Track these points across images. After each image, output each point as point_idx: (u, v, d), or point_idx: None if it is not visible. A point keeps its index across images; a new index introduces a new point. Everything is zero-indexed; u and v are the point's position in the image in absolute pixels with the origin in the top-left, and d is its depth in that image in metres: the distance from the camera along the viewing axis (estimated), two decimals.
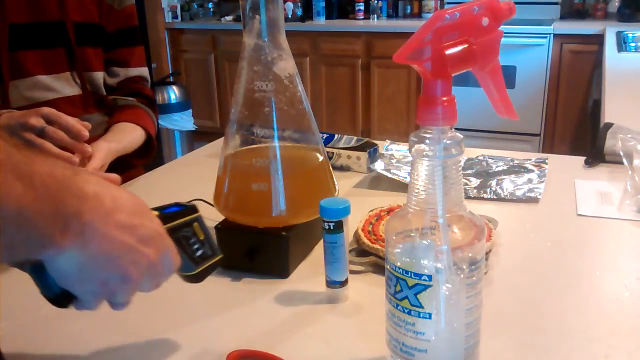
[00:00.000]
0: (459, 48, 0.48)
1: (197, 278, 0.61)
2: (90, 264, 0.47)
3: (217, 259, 0.62)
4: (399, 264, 0.51)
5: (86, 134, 0.92)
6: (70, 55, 1.14)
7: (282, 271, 0.78)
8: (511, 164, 1.16)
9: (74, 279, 0.48)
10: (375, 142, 1.22)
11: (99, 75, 1.21)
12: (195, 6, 4.63)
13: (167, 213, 0.56)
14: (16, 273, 0.82)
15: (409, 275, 0.51)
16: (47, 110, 0.91)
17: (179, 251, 0.56)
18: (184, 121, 3.80)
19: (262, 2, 0.74)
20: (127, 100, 1.26)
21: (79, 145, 0.92)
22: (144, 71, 1.33)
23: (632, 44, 2.76)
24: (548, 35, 3.45)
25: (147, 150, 1.25)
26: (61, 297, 0.49)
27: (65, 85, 1.14)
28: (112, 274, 0.49)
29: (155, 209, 0.57)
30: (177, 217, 0.57)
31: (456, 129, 0.50)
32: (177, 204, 0.60)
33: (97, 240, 0.46)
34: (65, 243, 0.44)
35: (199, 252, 0.59)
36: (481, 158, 1.19)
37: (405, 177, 1.07)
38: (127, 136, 1.17)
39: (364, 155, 1.17)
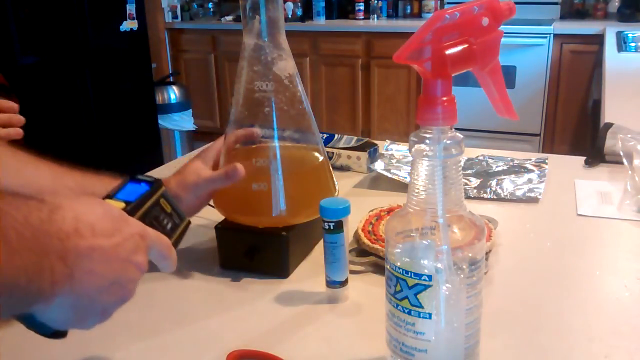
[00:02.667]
0: (459, 48, 0.48)
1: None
2: (84, 302, 0.45)
3: (184, 224, 0.62)
4: (399, 264, 0.51)
5: (16, 106, 0.91)
6: None
7: (282, 271, 0.78)
8: (511, 164, 1.16)
9: (71, 320, 0.47)
10: (375, 142, 1.22)
11: None
12: (195, 6, 4.63)
13: (136, 202, 0.55)
14: None
15: (409, 275, 0.51)
16: None
17: None
18: (184, 121, 3.80)
19: (262, 2, 0.74)
20: None
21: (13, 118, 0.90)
22: None
23: (632, 44, 2.76)
24: (548, 35, 3.45)
25: None
26: (59, 332, 0.48)
27: None
28: (108, 302, 0.48)
29: (115, 193, 0.56)
30: (145, 200, 0.56)
31: (456, 129, 0.50)
32: (133, 179, 0.58)
33: (86, 277, 0.44)
34: (54, 291, 0.42)
35: (169, 225, 0.59)
36: (481, 158, 1.19)
37: (405, 177, 1.07)
38: None
39: (364, 155, 1.16)
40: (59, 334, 0.48)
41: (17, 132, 0.90)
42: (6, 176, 0.67)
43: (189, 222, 0.62)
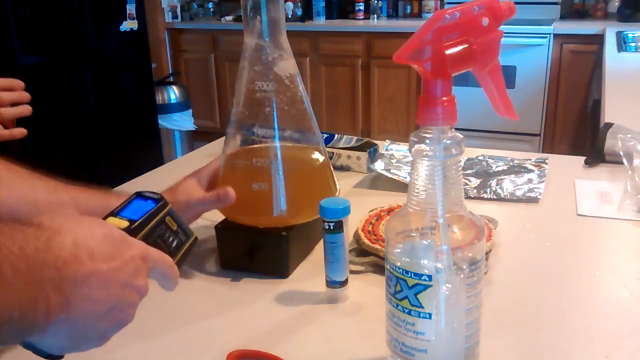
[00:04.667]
0: (459, 48, 0.48)
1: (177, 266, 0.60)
2: (81, 328, 0.45)
3: (191, 241, 0.61)
4: (399, 264, 0.51)
5: (22, 83, 0.91)
6: None
7: (282, 271, 0.78)
8: (511, 164, 1.16)
9: (67, 346, 0.46)
10: (375, 142, 1.22)
11: None
12: (195, 6, 4.63)
13: (140, 220, 0.54)
14: None
15: (409, 275, 0.51)
16: None
17: None
18: (184, 121, 3.80)
19: (264, 2, 0.74)
20: None
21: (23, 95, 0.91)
22: None
23: (632, 44, 2.76)
24: (548, 35, 3.45)
25: None
26: (55, 355, 0.47)
27: None
28: (106, 327, 0.47)
29: (120, 210, 0.55)
30: (150, 219, 0.55)
31: (456, 129, 0.50)
32: (139, 195, 0.58)
33: (83, 304, 0.44)
34: (49, 321, 0.42)
35: (174, 243, 0.58)
36: (481, 158, 1.19)
37: (405, 177, 1.07)
38: None
39: (364, 155, 1.17)
40: (55, 356, 0.47)
41: (29, 110, 0.90)
42: (1, 190, 0.67)
43: (196, 239, 0.61)
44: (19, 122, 0.92)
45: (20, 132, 0.89)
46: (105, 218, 0.54)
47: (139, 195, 0.58)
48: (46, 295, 0.41)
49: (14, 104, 0.89)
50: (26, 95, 0.91)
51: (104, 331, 0.47)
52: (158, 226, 0.56)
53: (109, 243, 0.47)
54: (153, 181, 1.19)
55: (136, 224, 0.54)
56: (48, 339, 0.44)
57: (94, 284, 0.44)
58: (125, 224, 0.53)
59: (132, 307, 0.49)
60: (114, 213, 0.55)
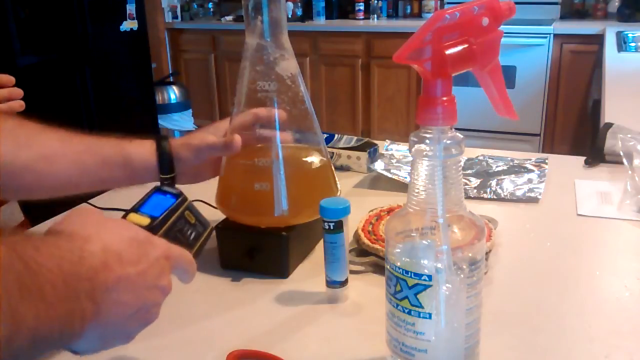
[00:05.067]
0: (459, 48, 0.48)
1: (194, 257, 0.61)
2: (110, 330, 0.47)
3: (208, 231, 0.62)
4: (399, 264, 0.51)
5: (12, 79, 0.91)
6: None
7: (282, 271, 0.78)
8: (511, 164, 1.16)
9: (99, 347, 0.48)
10: (375, 142, 1.22)
11: None
12: (195, 6, 4.63)
13: (161, 217, 0.56)
14: None
15: (409, 275, 0.51)
16: None
17: (178, 245, 0.56)
18: (184, 121, 3.80)
19: (265, 2, 0.74)
20: None
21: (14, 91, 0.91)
22: None
23: (632, 44, 2.76)
24: (548, 35, 3.45)
25: None
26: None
27: None
28: (133, 326, 0.49)
29: (140, 206, 0.56)
30: (170, 215, 0.57)
31: (456, 129, 0.50)
32: (159, 190, 0.59)
33: (113, 309, 0.46)
34: (84, 329, 0.43)
35: (192, 235, 0.60)
36: (481, 158, 1.19)
37: (405, 177, 1.07)
38: None
39: (364, 155, 1.17)
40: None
41: (20, 104, 0.90)
42: (19, 148, 0.68)
43: (212, 229, 0.63)
44: None
45: (19, 104, 0.90)
46: (127, 214, 0.56)
47: (158, 189, 0.59)
48: (82, 308, 0.43)
49: (5, 101, 0.89)
50: (17, 92, 0.91)
51: (130, 331, 0.49)
52: (178, 221, 0.58)
53: (135, 246, 0.49)
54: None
55: (157, 220, 0.56)
56: (78, 345, 0.46)
57: (122, 288, 0.46)
58: (147, 220, 0.55)
59: (157, 306, 0.51)
60: (135, 209, 0.57)
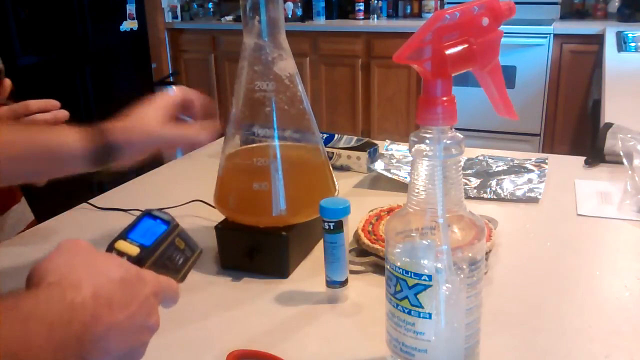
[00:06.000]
0: (459, 48, 0.48)
1: (180, 281, 0.59)
2: None
3: (196, 255, 0.61)
4: (399, 264, 0.51)
5: (57, 103, 0.91)
6: None
7: (282, 271, 0.78)
8: (511, 164, 1.16)
9: None
10: (375, 142, 1.22)
11: None
12: (195, 6, 4.63)
13: (152, 246, 0.55)
14: (16, 273, 0.81)
15: (409, 275, 0.51)
16: (8, 109, 0.87)
17: (165, 272, 0.55)
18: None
19: (263, 2, 0.74)
20: None
21: (59, 115, 0.90)
22: None
23: (632, 44, 2.76)
24: (548, 35, 3.45)
25: None
26: None
27: None
28: None
29: (129, 231, 0.55)
30: (160, 243, 0.56)
31: (456, 129, 0.50)
32: (149, 214, 0.57)
33: (100, 357, 0.45)
34: None
35: (181, 260, 0.58)
36: (481, 158, 1.19)
37: (405, 177, 1.07)
38: None
39: (364, 155, 1.16)
40: None
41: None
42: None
43: (201, 251, 0.61)
44: None
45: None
46: (115, 240, 0.55)
47: (149, 214, 0.58)
48: None
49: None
50: (62, 115, 0.90)
51: None
52: (167, 249, 0.56)
53: (126, 286, 0.48)
54: (153, 181, 1.19)
55: (147, 250, 0.54)
56: None
57: (112, 336, 0.46)
58: (137, 250, 0.54)
59: (144, 346, 0.50)
60: (124, 235, 0.55)
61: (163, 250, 0.56)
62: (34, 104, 0.89)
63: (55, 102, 0.90)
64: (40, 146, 0.71)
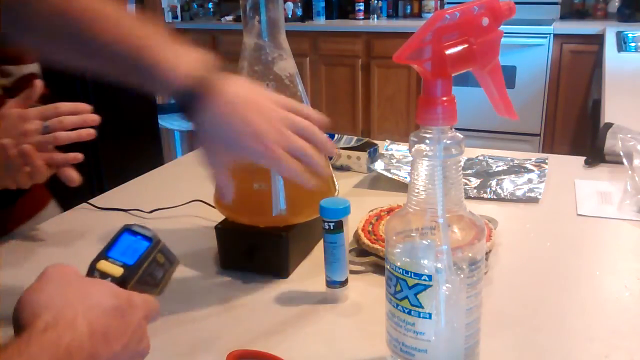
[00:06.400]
0: (459, 48, 0.48)
1: (159, 294, 0.59)
2: None
3: (174, 267, 0.60)
4: (399, 264, 0.51)
5: (88, 107, 0.90)
6: None
7: (282, 271, 0.78)
8: (511, 164, 1.16)
9: None
10: (375, 142, 1.22)
11: None
12: (195, 6, 4.63)
13: (135, 265, 0.54)
14: (16, 273, 0.82)
15: (409, 275, 0.51)
16: (37, 110, 0.87)
17: (146, 288, 0.55)
18: (184, 121, 3.79)
19: (263, 2, 0.74)
20: None
21: (88, 118, 0.89)
22: (36, 67, 1.22)
23: (632, 44, 2.76)
24: (548, 35, 3.45)
25: None
26: None
27: None
28: None
29: (109, 249, 0.54)
30: (143, 261, 0.55)
31: (456, 129, 0.50)
32: (129, 230, 0.56)
33: None
34: None
35: (161, 274, 0.58)
36: (481, 158, 1.19)
37: (405, 177, 1.07)
38: None
39: (364, 155, 1.17)
40: None
41: (88, 133, 0.88)
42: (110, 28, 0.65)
43: (178, 263, 0.61)
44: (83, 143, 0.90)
45: (74, 157, 0.88)
46: (96, 261, 0.54)
47: (128, 229, 0.56)
48: None
49: (76, 128, 0.88)
50: (91, 119, 0.89)
51: None
52: (149, 266, 0.56)
53: (119, 315, 0.49)
54: (153, 181, 1.19)
55: (130, 268, 0.54)
56: None
57: None
58: (120, 270, 0.53)
59: None
60: (105, 254, 0.54)
61: (145, 267, 0.55)
62: (64, 106, 0.88)
63: (85, 106, 0.90)
64: (138, 51, 0.65)
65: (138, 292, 0.53)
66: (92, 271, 0.53)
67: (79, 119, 0.88)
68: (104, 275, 0.53)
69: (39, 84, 0.90)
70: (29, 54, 1.19)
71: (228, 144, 0.64)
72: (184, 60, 0.66)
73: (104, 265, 0.53)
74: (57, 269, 0.50)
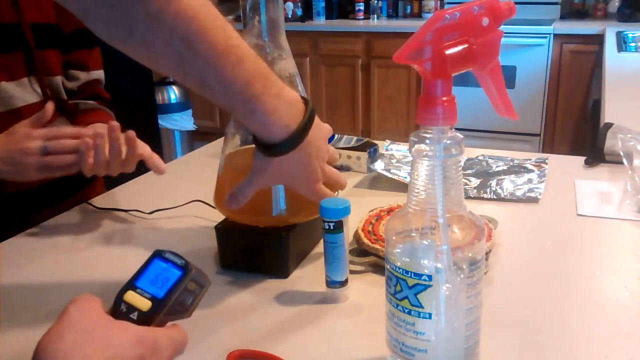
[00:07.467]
0: (459, 48, 0.48)
1: (187, 317, 0.56)
2: None
3: (205, 289, 0.56)
4: (399, 264, 0.51)
5: (88, 132, 0.92)
6: (28, 60, 1.04)
7: (282, 271, 0.78)
8: (511, 164, 1.16)
9: None
10: (375, 142, 1.22)
11: (58, 80, 1.13)
12: None
13: (165, 297, 0.51)
14: (16, 273, 0.82)
15: (409, 275, 0.51)
16: (42, 131, 0.90)
17: (174, 317, 0.53)
18: (184, 121, 3.80)
19: (263, 2, 0.74)
20: (89, 104, 1.22)
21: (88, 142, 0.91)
22: (101, 74, 1.28)
23: (632, 44, 2.76)
24: (548, 35, 3.45)
25: None
26: None
27: (26, 92, 1.05)
28: None
29: (138, 277, 0.51)
30: (174, 293, 0.51)
31: (456, 129, 0.50)
32: (160, 256, 0.53)
33: None
34: None
35: (190, 300, 0.54)
36: (481, 158, 1.19)
37: (405, 177, 1.07)
38: None
39: (364, 155, 1.17)
40: None
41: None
42: None
43: (210, 283, 0.56)
44: None
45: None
46: (124, 291, 0.50)
47: (159, 255, 0.53)
48: None
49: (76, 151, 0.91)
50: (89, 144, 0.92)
51: None
52: (180, 296, 0.52)
53: (140, 353, 0.47)
54: (153, 181, 1.19)
55: (159, 302, 0.50)
56: None
57: None
58: (148, 304, 0.50)
59: None
60: (133, 284, 0.51)
61: (175, 298, 0.52)
62: (68, 130, 0.94)
63: (87, 132, 0.93)
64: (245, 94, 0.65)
65: (165, 326, 0.51)
66: (119, 303, 0.50)
67: (76, 145, 0.90)
68: (130, 308, 0.50)
69: (49, 107, 0.94)
70: (95, 61, 1.24)
71: (286, 179, 0.73)
72: (284, 110, 0.68)
73: (131, 297, 0.50)
74: (79, 309, 0.47)
